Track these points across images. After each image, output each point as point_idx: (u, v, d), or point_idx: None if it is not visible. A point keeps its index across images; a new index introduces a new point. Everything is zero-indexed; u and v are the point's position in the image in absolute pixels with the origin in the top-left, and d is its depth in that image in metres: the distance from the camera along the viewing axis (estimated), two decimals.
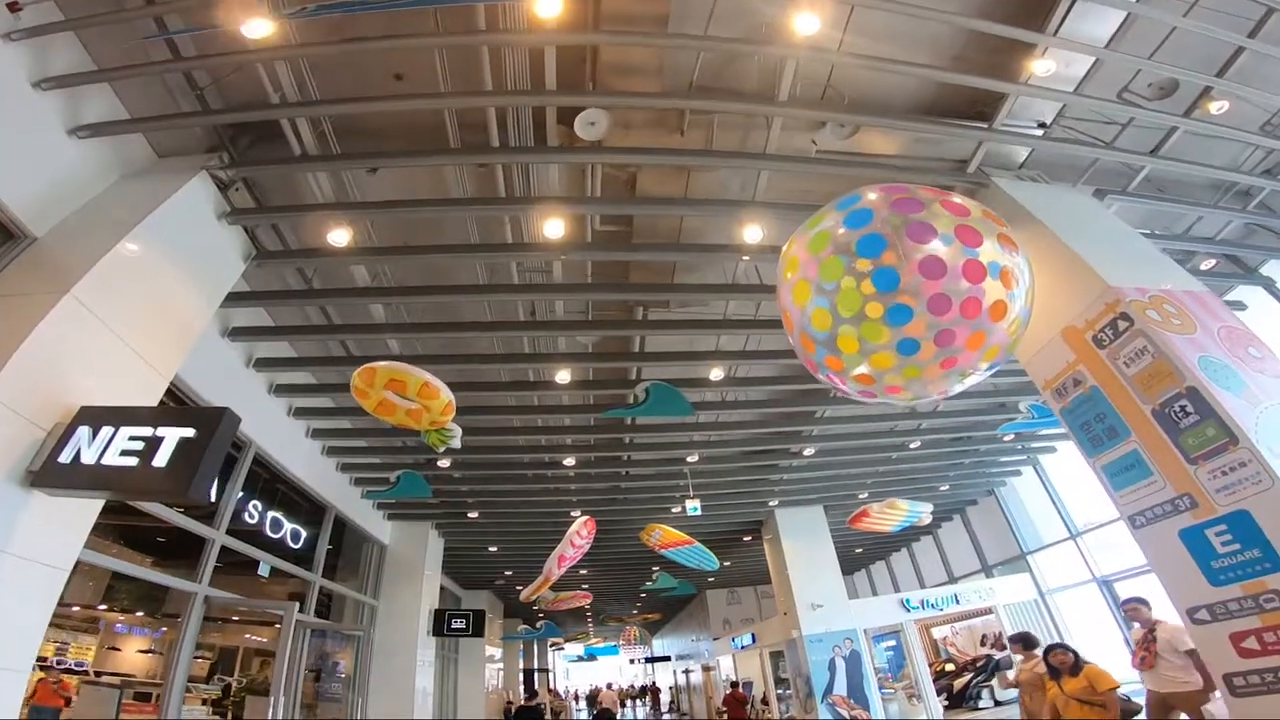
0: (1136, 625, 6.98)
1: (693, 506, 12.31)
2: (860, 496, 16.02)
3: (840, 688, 14.42)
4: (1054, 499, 15.86)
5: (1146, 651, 6.62)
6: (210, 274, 6.31)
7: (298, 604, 8.22)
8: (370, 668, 13.04)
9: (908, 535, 21.38)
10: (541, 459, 12.54)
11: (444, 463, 11.99)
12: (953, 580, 19.45)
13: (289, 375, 9.89)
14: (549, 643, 38.90)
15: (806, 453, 13.15)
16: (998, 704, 14.89)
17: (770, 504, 15.96)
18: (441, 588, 18.35)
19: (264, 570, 9.86)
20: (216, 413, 4.69)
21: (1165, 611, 5.95)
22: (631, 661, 39.25)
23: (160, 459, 4.39)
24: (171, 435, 4.48)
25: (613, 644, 45.54)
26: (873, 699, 14.46)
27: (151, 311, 5.53)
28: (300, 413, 10.47)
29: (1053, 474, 16.12)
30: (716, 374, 9.85)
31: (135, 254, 5.36)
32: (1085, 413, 6.08)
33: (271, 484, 10.73)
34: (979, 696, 15.39)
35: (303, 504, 11.67)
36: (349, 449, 11.87)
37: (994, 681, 15.35)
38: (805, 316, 2.90)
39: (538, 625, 21.82)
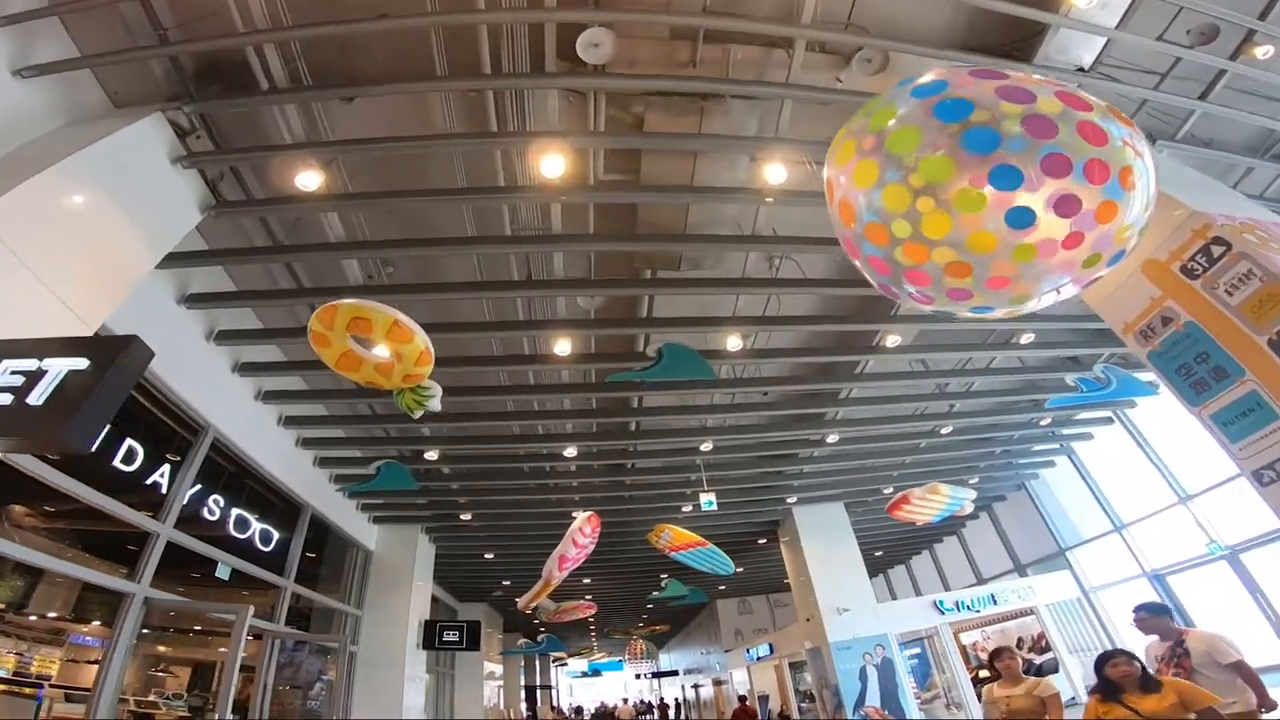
0: (1154, 639, 5.55)
1: (708, 500, 11.11)
2: (885, 491, 14.81)
3: (873, 698, 13.18)
4: (1094, 490, 14.69)
5: (1179, 668, 5.19)
6: (157, 220, 5.56)
7: (251, 608, 6.99)
8: (354, 683, 11.78)
9: (930, 536, 20.23)
10: (539, 450, 11.40)
11: (431, 454, 10.82)
12: (981, 582, 18.18)
13: (255, 351, 8.73)
14: (551, 658, 37.47)
15: (830, 439, 11.99)
16: None
17: (788, 500, 14.75)
18: (435, 599, 17.13)
19: (222, 572, 8.64)
20: (119, 341, 3.56)
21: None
22: (637, 677, 37.71)
23: (37, 396, 3.26)
24: (58, 368, 3.35)
25: (617, 659, 44.14)
26: (909, 708, 13.20)
27: (80, 253, 4.83)
28: (270, 396, 9.30)
29: (1090, 464, 14.98)
30: (734, 343, 8.70)
31: (63, 187, 4.67)
32: (1181, 354, 5.27)
33: (238, 479, 9.54)
34: None
35: (275, 502, 10.49)
36: (326, 440, 10.67)
37: None
38: (872, 200, 2.34)
39: (539, 639, 20.48)
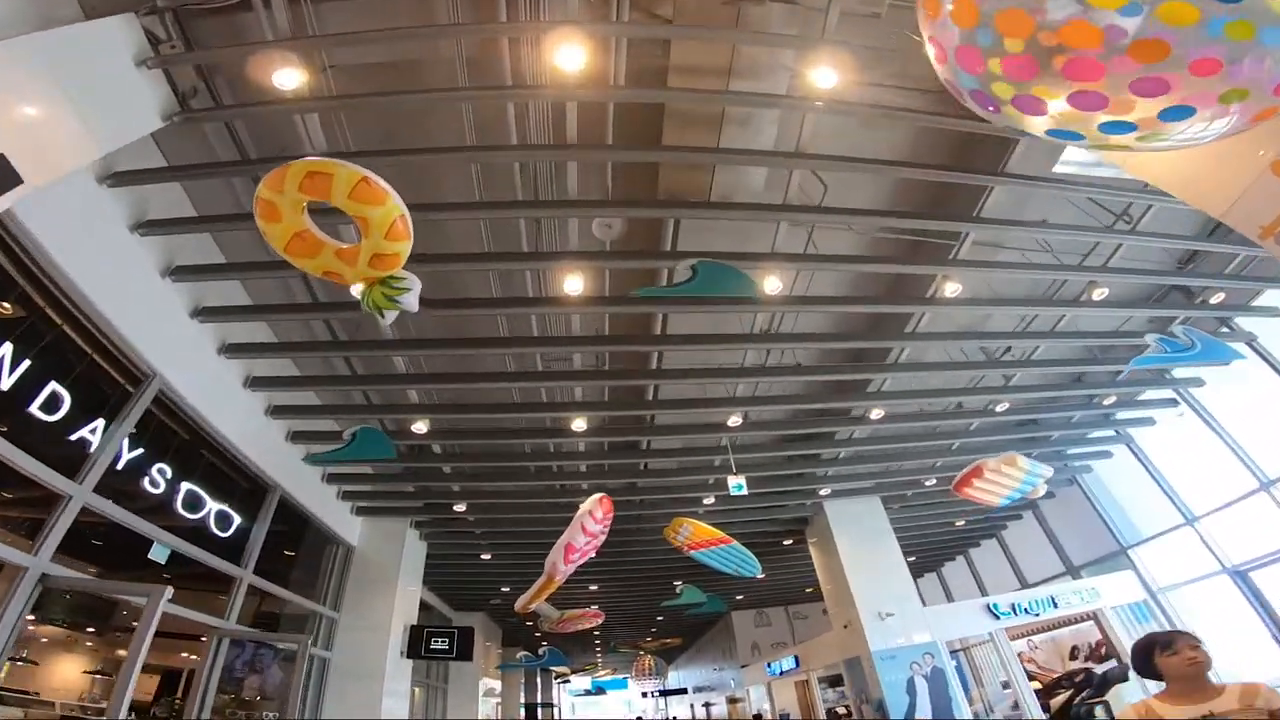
0: None
1: (736, 485, 9.62)
2: (927, 483, 13.35)
3: (923, 713, 11.59)
4: (1158, 480, 13.19)
5: None
6: (110, 117, 4.86)
7: (169, 590, 5.45)
8: (324, 695, 10.23)
9: (967, 539, 18.72)
10: (543, 421, 10.05)
11: (420, 425, 9.36)
12: (1026, 587, 16.57)
13: (219, 290, 7.38)
14: (553, 674, 35.64)
15: (873, 415, 10.49)
16: None
17: (821, 493, 13.19)
18: (427, 607, 15.59)
19: (158, 554, 7.12)
20: None
21: None
22: (644, 695, 35.76)
23: None
24: None
25: (622, 677, 42.24)
26: None
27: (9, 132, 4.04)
28: (235, 350, 7.90)
29: (1152, 452, 13.50)
30: (772, 284, 7.33)
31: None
32: None
33: (193, 449, 8.10)
34: (1092, 715, 12.59)
35: (238, 482, 9.03)
36: (299, 408, 9.23)
37: (1109, 698, 12.58)
38: None
39: (540, 653, 18.82)
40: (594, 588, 17.88)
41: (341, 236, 3.93)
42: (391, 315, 4.24)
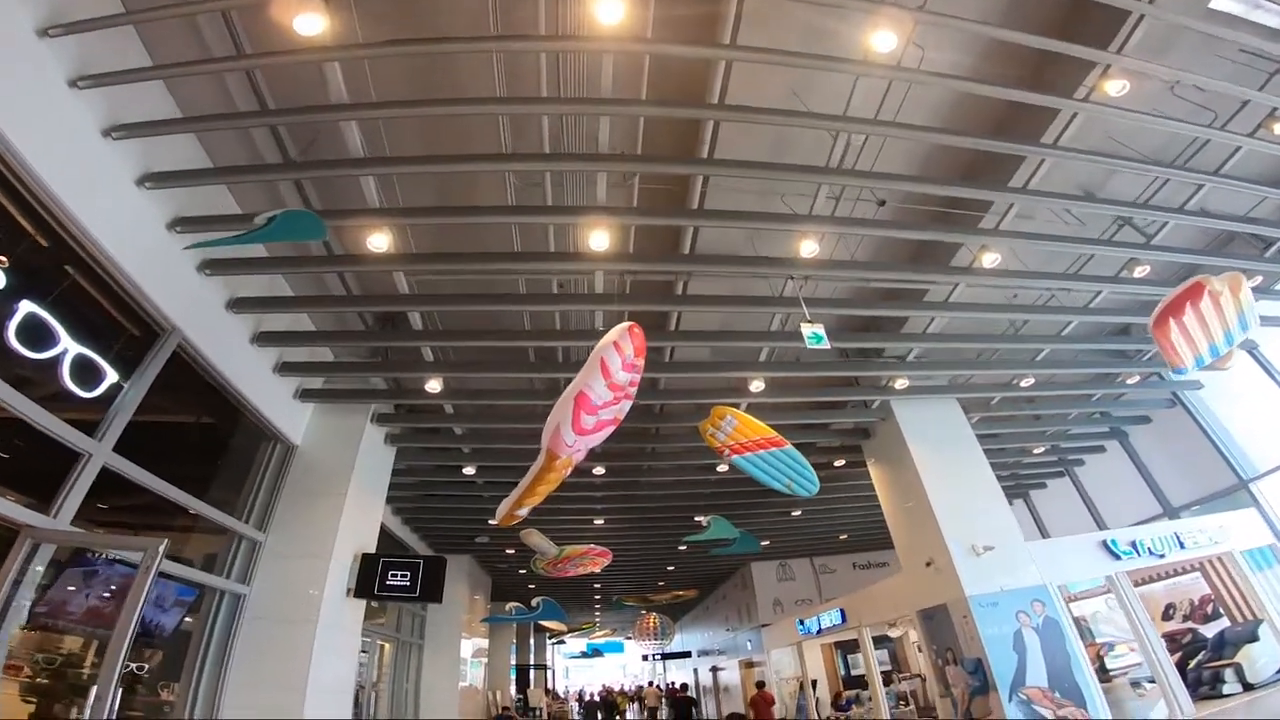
0: None
1: (813, 334, 6.75)
2: (1024, 384, 10.63)
3: (1035, 674, 8.80)
4: None
5: None
6: None
7: None
8: (234, 646, 7.38)
9: (1032, 479, 15.87)
10: (547, 282, 7.56)
11: (380, 243, 6.50)
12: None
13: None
14: (547, 636, 33.00)
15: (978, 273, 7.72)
16: (1249, 688, 9.98)
17: (898, 384, 10.16)
18: (393, 538, 12.67)
19: None
20: None
21: None
22: (645, 658, 33.04)
23: None
24: None
25: (619, 639, 39.87)
26: (1090, 688, 8.87)
27: None
28: (129, 129, 5.45)
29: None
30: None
31: None
32: None
33: (53, 256, 5.42)
34: (1219, 680, 10.16)
35: (118, 318, 6.16)
36: (214, 220, 6.25)
37: (1240, 660, 10.38)
38: None
39: (534, 604, 16.00)
40: (600, 522, 14.91)
41: None
42: None
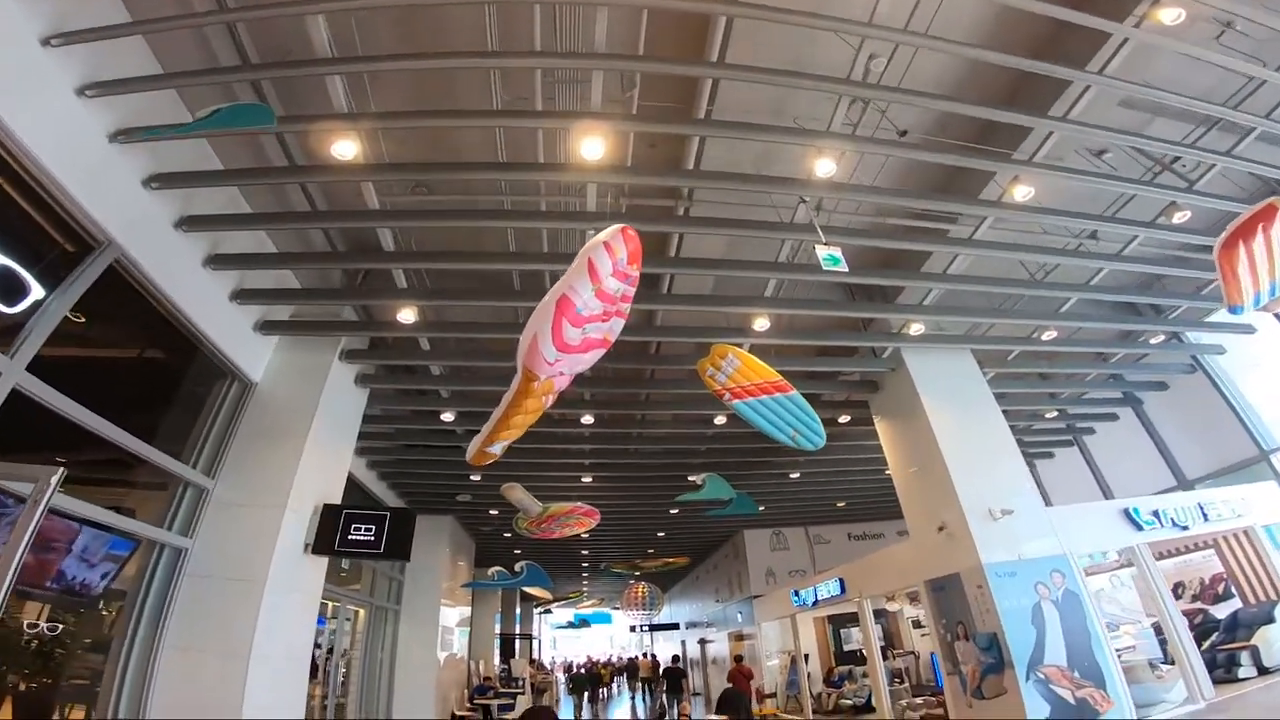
0: None
1: (829, 255, 6.01)
2: (1045, 336, 9.93)
3: (1054, 652, 8.12)
4: None
5: None
6: None
7: None
8: (172, 606, 6.60)
9: (1040, 446, 15.19)
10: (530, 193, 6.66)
11: (346, 150, 5.66)
12: None
13: None
14: (534, 605, 32.34)
15: (1008, 207, 7.06)
16: (1264, 672, 9.50)
17: (914, 329, 9.37)
18: (368, 495, 11.89)
19: None
20: None
21: None
22: (632, 629, 32.51)
23: None
24: None
25: (606, 610, 39.38)
26: (1109, 668, 8.20)
27: None
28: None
29: None
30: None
31: None
32: None
33: None
34: (1235, 663, 9.63)
35: (47, 228, 5.33)
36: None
37: (1256, 642, 9.85)
38: None
39: (517, 569, 15.25)
40: (588, 480, 14.02)
41: None
42: None
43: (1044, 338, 9.91)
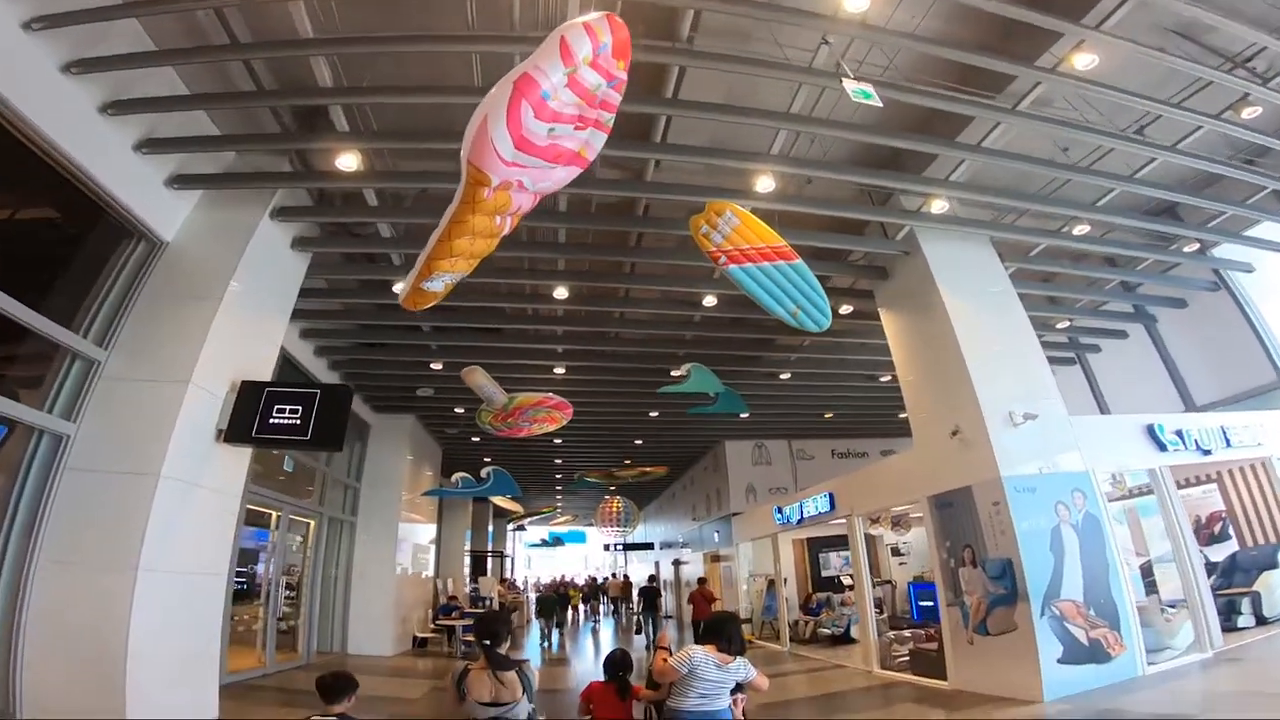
0: None
1: (860, 90, 4.90)
2: (1078, 230, 9.01)
3: (1072, 584, 7.21)
4: None
5: None
6: None
7: None
8: (52, 503, 5.50)
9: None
10: None
11: None
12: None
13: None
14: (506, 522, 31.58)
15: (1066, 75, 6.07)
16: (1263, 622, 9.02)
17: (935, 206, 8.27)
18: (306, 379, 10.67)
19: None
20: None
21: None
22: (606, 548, 31.91)
23: None
24: None
25: (580, 529, 38.96)
26: (1124, 605, 7.33)
27: None
28: None
29: None
30: None
31: None
32: None
33: None
34: (1234, 610, 9.06)
35: None
36: None
37: (1258, 587, 9.39)
38: None
39: (484, 475, 14.04)
40: (560, 371, 12.61)
41: None
42: None
43: (1075, 231, 8.90)
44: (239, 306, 6.85)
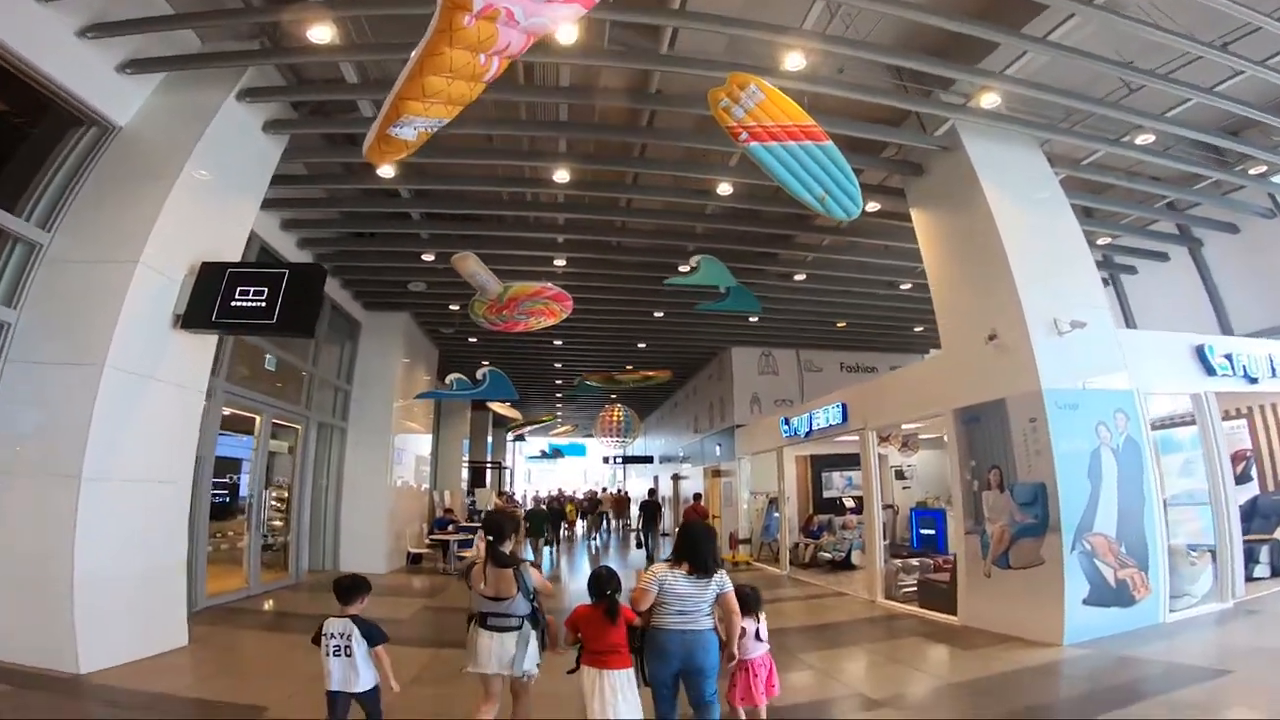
0: None
1: None
2: (1140, 139, 8.09)
3: (1106, 517, 6.65)
4: None
5: None
6: None
7: None
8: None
9: None
10: None
11: None
12: None
13: None
14: (505, 431, 30.94)
15: None
16: (1277, 573, 8.76)
17: (983, 104, 7.40)
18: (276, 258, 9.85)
19: None
20: None
21: None
22: (606, 461, 31.46)
23: None
24: None
25: (580, 441, 38.68)
26: (1155, 544, 6.80)
27: None
28: None
29: None
30: None
31: None
32: None
33: None
34: (1251, 559, 8.48)
35: None
36: None
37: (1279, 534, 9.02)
38: None
39: (479, 376, 13.24)
40: (561, 263, 11.69)
41: None
42: None
43: (1138, 141, 8.05)
44: (198, 186, 6.16)
